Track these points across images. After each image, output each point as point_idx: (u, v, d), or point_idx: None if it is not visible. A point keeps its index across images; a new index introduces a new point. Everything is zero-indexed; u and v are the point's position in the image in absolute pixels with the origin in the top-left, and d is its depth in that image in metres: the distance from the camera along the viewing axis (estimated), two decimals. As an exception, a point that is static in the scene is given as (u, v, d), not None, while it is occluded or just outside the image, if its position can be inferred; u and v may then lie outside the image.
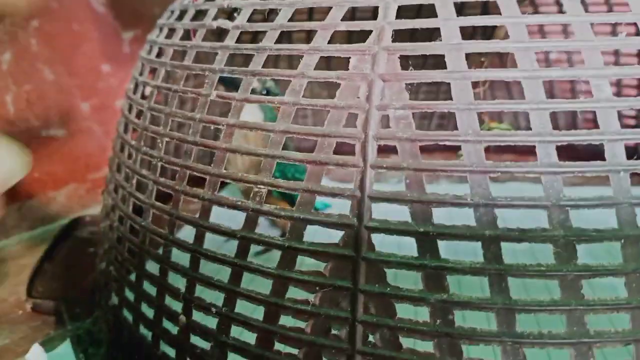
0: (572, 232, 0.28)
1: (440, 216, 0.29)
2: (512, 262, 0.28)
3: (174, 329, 0.38)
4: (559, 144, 0.28)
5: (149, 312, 0.40)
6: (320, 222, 0.31)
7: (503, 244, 0.28)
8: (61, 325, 0.52)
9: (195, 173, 0.37)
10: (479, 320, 0.30)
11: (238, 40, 0.37)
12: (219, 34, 0.39)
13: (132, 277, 0.42)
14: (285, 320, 0.32)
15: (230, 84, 0.48)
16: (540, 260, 0.28)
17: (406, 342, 0.30)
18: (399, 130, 0.30)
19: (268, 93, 0.59)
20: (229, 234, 0.34)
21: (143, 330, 0.41)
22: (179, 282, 0.37)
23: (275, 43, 0.35)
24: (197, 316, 0.36)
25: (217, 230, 0.35)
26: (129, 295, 0.43)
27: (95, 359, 0.46)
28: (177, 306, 0.37)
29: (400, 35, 0.32)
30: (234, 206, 0.34)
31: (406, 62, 0.31)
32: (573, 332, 0.28)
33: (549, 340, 0.28)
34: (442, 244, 0.29)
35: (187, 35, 0.42)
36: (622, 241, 0.28)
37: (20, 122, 0.69)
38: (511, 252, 0.29)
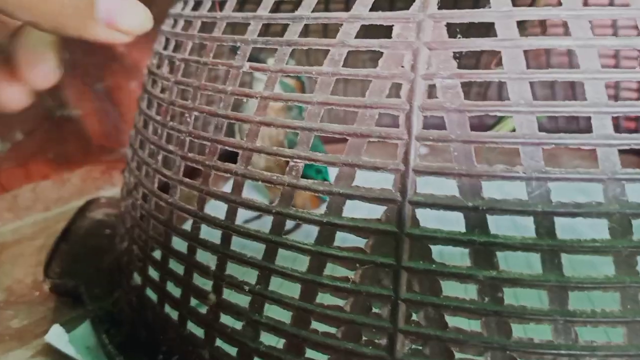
0: (629, 207, 0.27)
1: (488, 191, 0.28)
2: (565, 238, 0.27)
3: (202, 308, 0.37)
4: (615, 114, 0.27)
5: (175, 292, 0.39)
6: (361, 197, 0.30)
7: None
8: (80, 307, 0.51)
9: (227, 147, 0.36)
10: (530, 298, 0.28)
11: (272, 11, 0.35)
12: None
13: (157, 255, 0.41)
14: (323, 299, 0.31)
15: (254, 60, 0.46)
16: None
17: (452, 321, 0.29)
18: (446, 101, 0.29)
19: (297, 78, 0.58)
20: (263, 209, 0.33)
21: (168, 310, 0.40)
22: (207, 260, 0.36)
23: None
24: (228, 295, 0.35)
25: (252, 206, 0.34)
26: (153, 274, 0.42)
27: (116, 339, 0.45)
28: (205, 285, 0.36)
29: (443, 4, 0.31)
30: (269, 181, 0.33)
31: (451, 31, 0.30)
32: (627, 310, 0.27)
33: (602, 319, 0.27)
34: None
35: (213, 7, 0.41)
36: (682, 217, 0.27)
37: (34, 101, 0.68)
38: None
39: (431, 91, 0.30)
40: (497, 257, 0.28)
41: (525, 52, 0.28)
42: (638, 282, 0.27)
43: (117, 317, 0.48)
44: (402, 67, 0.30)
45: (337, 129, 0.31)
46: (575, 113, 0.28)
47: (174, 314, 0.39)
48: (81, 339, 0.46)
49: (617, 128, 0.26)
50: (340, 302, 0.31)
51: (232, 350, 0.35)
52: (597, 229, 0.28)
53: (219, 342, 0.36)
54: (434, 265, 0.29)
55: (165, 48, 0.45)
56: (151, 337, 0.43)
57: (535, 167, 0.27)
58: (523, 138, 0.27)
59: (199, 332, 0.37)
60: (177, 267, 0.39)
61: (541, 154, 0.27)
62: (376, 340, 0.30)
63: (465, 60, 0.88)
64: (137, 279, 0.44)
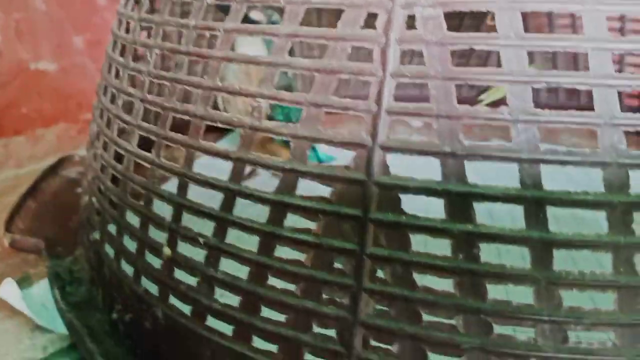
0: (627, 156, 0.23)
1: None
2: (552, 189, 0.24)
3: (157, 264, 0.34)
4: (617, 51, 0.24)
5: (131, 246, 0.36)
6: (328, 142, 0.27)
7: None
8: (41, 264, 0.48)
9: (187, 87, 0.32)
10: (513, 259, 0.25)
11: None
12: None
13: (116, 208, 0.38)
14: (283, 253, 0.28)
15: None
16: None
17: (422, 280, 0.26)
18: (427, 32, 0.25)
19: None
20: (222, 154, 0.30)
21: (125, 266, 0.37)
22: (165, 213, 0.33)
23: None
24: (183, 249, 0.32)
25: (210, 152, 0.30)
26: (112, 228, 0.39)
27: (73, 298, 0.42)
28: (162, 239, 0.33)
29: None
30: (229, 123, 0.30)
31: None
32: (620, 273, 0.24)
33: (590, 282, 0.24)
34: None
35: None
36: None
37: (8, 52, 0.65)
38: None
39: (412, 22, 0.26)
40: (475, 209, 0.24)
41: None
42: (634, 242, 0.24)
43: (77, 275, 0.45)
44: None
45: (305, 63, 0.28)
46: (571, 48, 0.24)
47: (130, 270, 0.36)
48: (38, 296, 0.43)
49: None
50: (300, 257, 0.28)
51: (186, 309, 0.32)
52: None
53: (172, 300, 0.33)
54: (404, 217, 0.26)
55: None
56: (107, 295, 0.40)
57: (522, 108, 0.24)
58: (510, 75, 0.24)
59: (153, 289, 0.34)
60: (135, 220, 0.36)
61: (530, 94, 0.24)
62: (338, 299, 0.27)
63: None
64: (96, 233, 0.41)
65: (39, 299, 0.44)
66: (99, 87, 0.46)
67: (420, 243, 0.26)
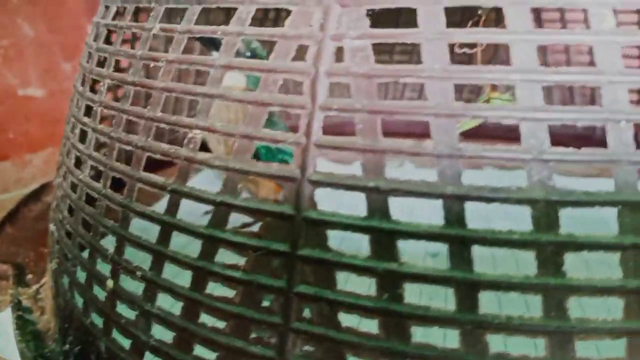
0: (556, 193, 0.22)
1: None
2: (477, 228, 0.23)
3: (103, 296, 0.33)
4: (546, 84, 0.23)
5: (82, 277, 0.36)
6: (259, 174, 0.26)
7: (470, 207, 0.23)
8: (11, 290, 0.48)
9: (131, 118, 0.32)
10: (437, 299, 0.24)
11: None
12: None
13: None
14: (215, 290, 0.28)
15: (211, 43, 0.43)
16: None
17: (348, 320, 0.25)
18: (354, 65, 0.25)
19: (254, 55, 0.54)
20: (159, 186, 0.29)
21: (77, 296, 0.37)
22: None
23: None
24: (125, 283, 0.32)
25: (149, 183, 0.30)
26: (68, 258, 0.38)
27: (31, 327, 0.41)
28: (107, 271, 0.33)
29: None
30: (166, 154, 0.29)
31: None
32: (550, 318, 0.22)
33: (519, 327, 0.22)
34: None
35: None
36: (620, 208, 0.22)
37: (-4, 79, 0.66)
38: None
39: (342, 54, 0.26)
40: (398, 246, 0.23)
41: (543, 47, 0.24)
42: (565, 284, 0.22)
43: (41, 304, 0.45)
44: (311, 26, 0.26)
45: (237, 95, 0.28)
46: (498, 81, 0.23)
47: (80, 302, 0.36)
48: (1, 323, 0.43)
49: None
50: (230, 294, 0.27)
51: (126, 343, 0.31)
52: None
53: (115, 334, 0.32)
54: (330, 254, 0.25)
55: (104, 17, 0.42)
56: (61, 325, 0.39)
57: (447, 143, 0.23)
58: (435, 108, 0.23)
59: (98, 321, 0.34)
60: (86, 251, 0.35)
61: (455, 128, 0.23)
62: (266, 339, 0.26)
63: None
64: (54, 262, 0.41)
65: (3, 327, 0.43)
66: (67, 117, 0.46)
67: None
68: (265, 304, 0.26)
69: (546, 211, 0.22)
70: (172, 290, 0.29)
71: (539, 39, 0.23)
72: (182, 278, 0.29)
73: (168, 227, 0.29)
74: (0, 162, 0.68)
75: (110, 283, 0.32)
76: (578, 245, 0.22)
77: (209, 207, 0.27)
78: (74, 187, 0.38)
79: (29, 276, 0.50)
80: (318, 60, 0.26)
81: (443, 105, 0.23)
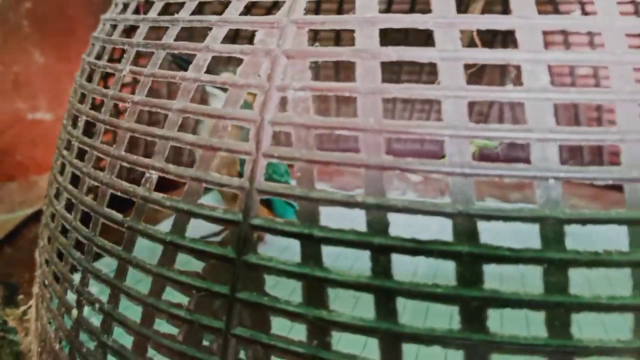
0: (479, 248, 0.22)
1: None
2: (403, 280, 0.23)
3: (69, 324, 0.35)
4: (470, 137, 0.23)
5: (55, 304, 0.37)
6: (204, 216, 0.27)
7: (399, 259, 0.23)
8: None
9: (101, 155, 0.33)
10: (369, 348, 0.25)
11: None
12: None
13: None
14: (162, 327, 0.28)
15: (186, 63, 0.44)
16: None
17: (281, 363, 0.25)
18: (295, 115, 0.26)
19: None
20: (118, 222, 0.31)
21: (51, 322, 0.38)
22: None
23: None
24: (87, 313, 0.33)
25: (109, 218, 0.31)
26: (44, 284, 0.40)
27: (15, 347, 0.43)
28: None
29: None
30: (126, 192, 0.31)
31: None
32: (474, 373, 0.23)
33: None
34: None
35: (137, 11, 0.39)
36: (545, 266, 0.22)
37: (5, 102, 0.69)
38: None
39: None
40: (329, 295, 0.24)
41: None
42: (488, 339, 0.22)
43: (27, 325, 0.46)
44: (259, 76, 0.27)
45: (189, 139, 0.29)
46: (428, 134, 0.24)
47: (52, 328, 0.37)
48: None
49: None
50: (175, 331, 0.28)
51: (86, 373, 0.32)
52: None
53: (76, 363, 0.33)
54: (265, 299, 0.25)
55: (89, 54, 0.44)
56: (38, 348, 0.41)
57: (376, 193, 0.24)
58: (367, 160, 0.24)
59: (66, 348, 0.35)
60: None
61: (383, 179, 0.24)
62: (204, 379, 0.27)
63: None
64: (35, 287, 0.43)
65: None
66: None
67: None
68: (206, 343, 0.27)
69: (471, 267, 0.23)
70: (125, 324, 0.30)
71: (470, 95, 0.24)
72: (134, 312, 0.30)
73: (124, 262, 0.30)
74: (7, 182, 0.70)
75: (74, 313, 0.33)
76: (502, 302, 0.22)
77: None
78: (52, 216, 0.39)
79: (20, 297, 0.51)
80: (263, 109, 0.27)
81: (373, 158, 0.24)
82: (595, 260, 0.22)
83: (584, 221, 0.22)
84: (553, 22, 0.24)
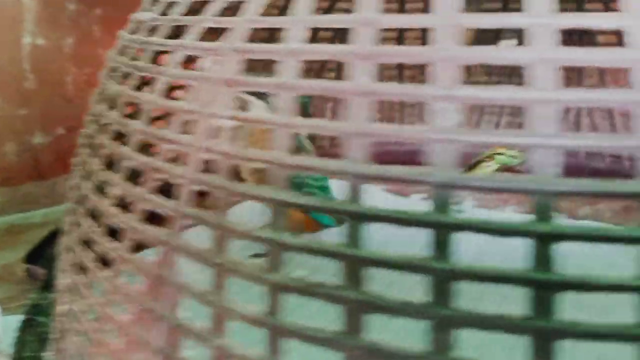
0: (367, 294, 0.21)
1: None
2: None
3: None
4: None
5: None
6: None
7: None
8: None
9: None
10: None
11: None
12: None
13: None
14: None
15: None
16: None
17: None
18: (221, 144, 0.26)
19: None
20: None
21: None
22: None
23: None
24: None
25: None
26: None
27: (41, 329, 0.48)
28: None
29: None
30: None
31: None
32: None
33: None
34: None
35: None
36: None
37: (77, 100, 0.75)
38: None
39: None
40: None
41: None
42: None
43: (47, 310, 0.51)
44: (203, 102, 0.28)
45: (142, 159, 0.30)
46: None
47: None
48: (14, 322, 0.50)
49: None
50: None
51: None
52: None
53: None
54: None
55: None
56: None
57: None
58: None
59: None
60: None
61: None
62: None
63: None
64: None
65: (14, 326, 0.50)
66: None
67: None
68: None
69: (355, 314, 0.22)
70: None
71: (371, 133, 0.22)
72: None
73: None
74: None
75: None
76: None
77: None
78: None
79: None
80: (197, 136, 0.27)
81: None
82: None
83: None
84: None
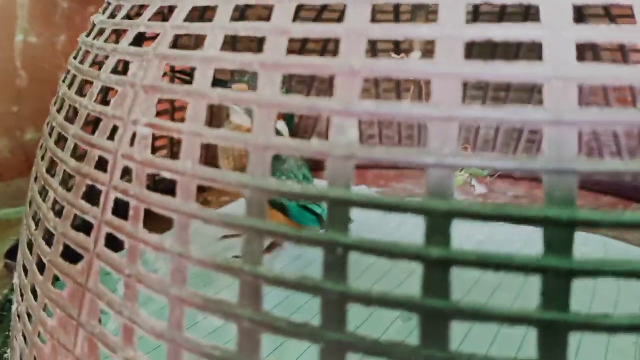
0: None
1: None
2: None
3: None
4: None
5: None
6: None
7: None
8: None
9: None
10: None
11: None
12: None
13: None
14: None
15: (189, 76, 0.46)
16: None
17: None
18: (137, 152, 0.26)
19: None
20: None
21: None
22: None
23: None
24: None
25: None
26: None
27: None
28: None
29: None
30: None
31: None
32: None
33: None
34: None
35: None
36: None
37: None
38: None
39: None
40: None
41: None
42: None
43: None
44: (122, 108, 0.28)
45: (72, 165, 0.30)
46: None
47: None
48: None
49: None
50: None
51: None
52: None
53: None
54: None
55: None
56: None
57: (181, 241, 0.23)
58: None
59: None
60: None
61: (188, 229, 0.23)
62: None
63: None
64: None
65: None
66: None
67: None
68: None
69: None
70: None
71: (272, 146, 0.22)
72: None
73: (26, 272, 0.32)
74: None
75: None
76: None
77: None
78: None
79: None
80: (120, 142, 0.27)
81: (184, 207, 0.23)
82: None
83: None
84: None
